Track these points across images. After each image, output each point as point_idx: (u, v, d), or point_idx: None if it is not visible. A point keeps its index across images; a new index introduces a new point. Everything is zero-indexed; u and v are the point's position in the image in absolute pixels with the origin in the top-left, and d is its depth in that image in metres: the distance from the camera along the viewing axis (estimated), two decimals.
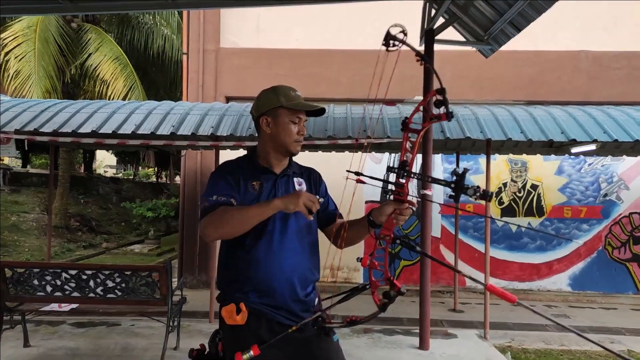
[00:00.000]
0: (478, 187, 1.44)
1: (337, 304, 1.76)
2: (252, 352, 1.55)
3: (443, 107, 1.49)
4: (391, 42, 1.51)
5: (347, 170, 1.65)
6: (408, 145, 1.57)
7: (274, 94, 1.83)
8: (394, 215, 1.65)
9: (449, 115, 1.49)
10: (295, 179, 1.90)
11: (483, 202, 7.18)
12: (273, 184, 1.84)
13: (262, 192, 1.81)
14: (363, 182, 1.67)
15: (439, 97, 1.48)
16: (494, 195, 7.91)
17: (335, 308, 1.74)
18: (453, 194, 1.46)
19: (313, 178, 1.98)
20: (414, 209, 1.69)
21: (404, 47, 1.50)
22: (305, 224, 1.83)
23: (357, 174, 1.67)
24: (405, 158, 1.57)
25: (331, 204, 1.99)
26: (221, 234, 1.70)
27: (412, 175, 1.56)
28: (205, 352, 1.87)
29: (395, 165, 1.58)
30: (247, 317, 1.71)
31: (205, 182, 8.74)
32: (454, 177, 1.46)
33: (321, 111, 1.86)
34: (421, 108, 1.59)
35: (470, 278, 1.72)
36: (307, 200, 1.62)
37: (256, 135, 1.97)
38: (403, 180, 1.59)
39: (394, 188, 1.62)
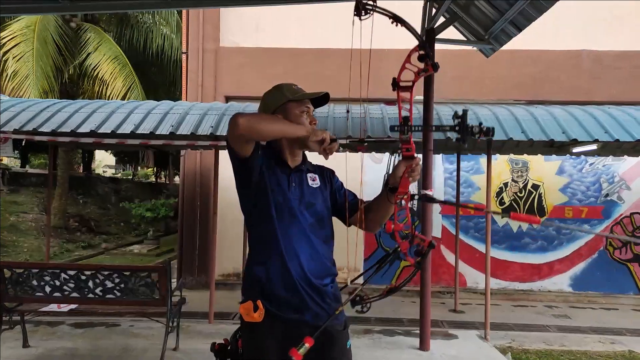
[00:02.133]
0: (480, 123, 1.49)
1: (373, 275, 1.76)
2: (307, 345, 1.52)
3: (427, 60, 1.55)
4: (363, 11, 1.60)
5: (354, 139, 1.70)
6: (400, 104, 1.61)
7: (278, 91, 1.89)
8: (406, 173, 1.67)
9: (434, 66, 1.53)
10: (308, 175, 1.91)
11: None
12: (287, 177, 1.84)
13: (280, 179, 1.83)
14: (365, 150, 1.70)
15: (421, 52, 1.54)
16: (495, 195, 7.88)
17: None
18: (460, 139, 1.51)
19: (326, 174, 2.00)
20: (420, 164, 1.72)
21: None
22: (317, 218, 1.85)
23: (361, 141, 1.75)
24: (403, 115, 1.59)
25: (350, 195, 2.01)
26: (250, 125, 1.64)
27: (416, 128, 1.59)
28: (228, 347, 1.91)
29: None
30: (264, 315, 1.73)
31: (204, 183, 8.72)
32: (456, 121, 1.50)
33: (325, 99, 1.91)
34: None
35: (495, 213, 1.75)
36: (328, 144, 1.68)
37: None
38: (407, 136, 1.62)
39: (400, 147, 1.65)
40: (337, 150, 1.75)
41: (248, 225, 1.88)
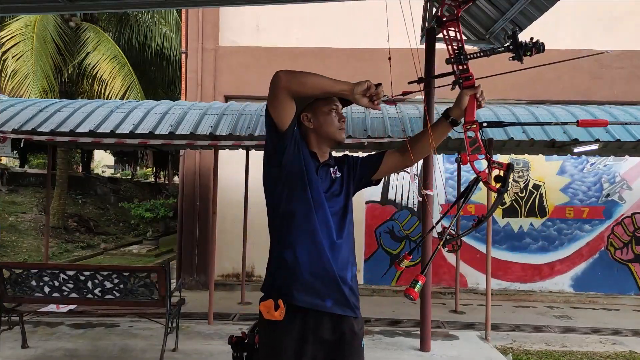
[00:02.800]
0: (532, 38, 1.55)
1: (464, 202, 1.75)
2: (420, 282, 1.51)
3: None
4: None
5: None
6: (452, 36, 1.66)
7: None
8: (472, 101, 1.70)
9: None
10: (331, 169, 1.95)
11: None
12: (315, 170, 1.87)
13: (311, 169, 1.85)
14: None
15: None
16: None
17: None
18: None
19: (344, 160, 2.03)
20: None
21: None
22: (341, 207, 1.87)
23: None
24: (456, 46, 1.64)
25: (371, 156, 2.04)
26: (291, 76, 1.68)
27: (473, 56, 1.63)
28: (245, 341, 1.93)
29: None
30: (284, 314, 1.74)
31: (204, 183, 8.70)
32: (510, 40, 1.57)
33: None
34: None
35: (561, 123, 1.78)
36: (374, 89, 1.70)
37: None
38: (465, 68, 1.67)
39: (460, 77, 1.68)
40: (384, 98, 1.77)
41: (274, 209, 1.86)
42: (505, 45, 1.58)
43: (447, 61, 1.66)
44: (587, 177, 7.90)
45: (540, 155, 7.25)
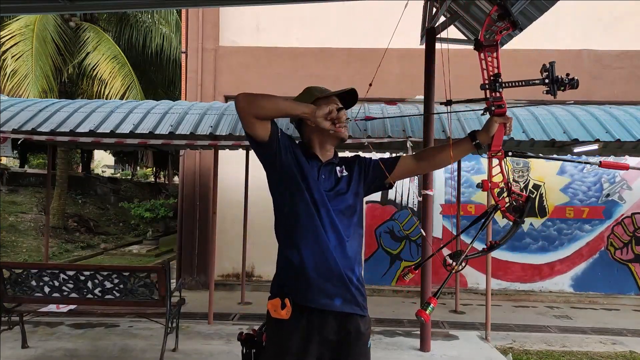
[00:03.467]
0: (568, 74, 1.55)
1: (478, 233, 1.76)
2: (432, 304, 1.52)
3: (507, 19, 1.58)
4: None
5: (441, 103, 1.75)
6: (489, 61, 1.63)
7: (307, 92, 1.95)
8: (501, 129, 1.71)
9: (515, 24, 1.57)
10: (337, 168, 1.95)
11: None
12: (317, 170, 1.88)
13: (311, 169, 1.85)
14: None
15: (500, 11, 1.57)
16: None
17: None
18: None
19: (354, 161, 2.02)
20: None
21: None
22: (346, 206, 1.87)
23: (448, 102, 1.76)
24: (492, 73, 1.62)
25: (385, 159, 2.03)
26: (249, 100, 1.70)
27: (508, 84, 1.62)
28: (255, 339, 1.94)
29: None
30: (291, 312, 1.76)
31: (204, 183, 8.70)
32: (545, 74, 1.57)
33: (353, 100, 1.97)
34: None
35: (583, 162, 1.79)
36: (335, 114, 1.74)
37: None
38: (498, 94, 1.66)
39: (492, 104, 1.67)
40: (347, 122, 1.79)
41: (279, 209, 1.89)
42: (541, 78, 1.57)
43: (482, 87, 1.64)
44: (587, 177, 7.90)
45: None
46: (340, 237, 1.81)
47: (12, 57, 10.53)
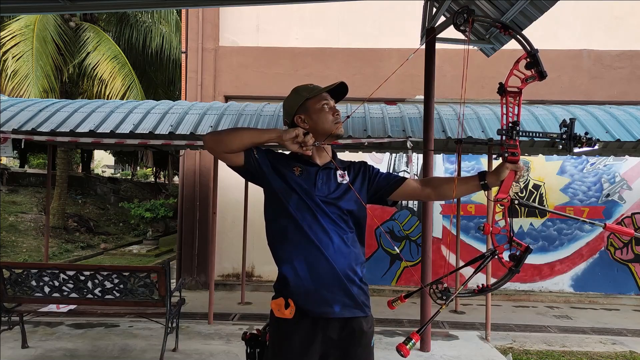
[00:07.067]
0: (586, 133, 1.54)
1: (474, 274, 1.76)
2: (414, 340, 1.50)
3: (535, 68, 1.56)
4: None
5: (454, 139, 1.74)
6: (510, 107, 1.63)
7: (295, 93, 1.93)
8: (512, 177, 1.69)
9: (542, 74, 1.55)
10: (337, 172, 1.91)
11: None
12: (315, 174, 1.86)
13: (302, 177, 1.84)
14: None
15: (530, 60, 1.56)
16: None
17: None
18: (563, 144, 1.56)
19: (358, 168, 2.00)
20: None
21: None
22: (345, 212, 1.85)
23: (458, 141, 1.77)
24: (511, 119, 1.62)
25: (391, 175, 2.01)
26: (215, 139, 1.80)
27: (526, 134, 1.62)
28: (259, 338, 1.95)
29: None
30: (294, 312, 1.76)
31: (204, 183, 8.68)
32: (564, 129, 1.55)
33: (343, 91, 1.96)
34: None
35: (589, 222, 1.76)
36: (302, 138, 1.73)
37: None
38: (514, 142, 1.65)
39: (507, 150, 1.66)
40: (314, 145, 1.78)
41: (267, 229, 1.90)
42: (559, 132, 1.57)
43: (499, 132, 1.64)
44: (587, 177, 7.90)
45: (540, 155, 7.25)
46: (339, 242, 1.79)
47: (13, 57, 10.53)
